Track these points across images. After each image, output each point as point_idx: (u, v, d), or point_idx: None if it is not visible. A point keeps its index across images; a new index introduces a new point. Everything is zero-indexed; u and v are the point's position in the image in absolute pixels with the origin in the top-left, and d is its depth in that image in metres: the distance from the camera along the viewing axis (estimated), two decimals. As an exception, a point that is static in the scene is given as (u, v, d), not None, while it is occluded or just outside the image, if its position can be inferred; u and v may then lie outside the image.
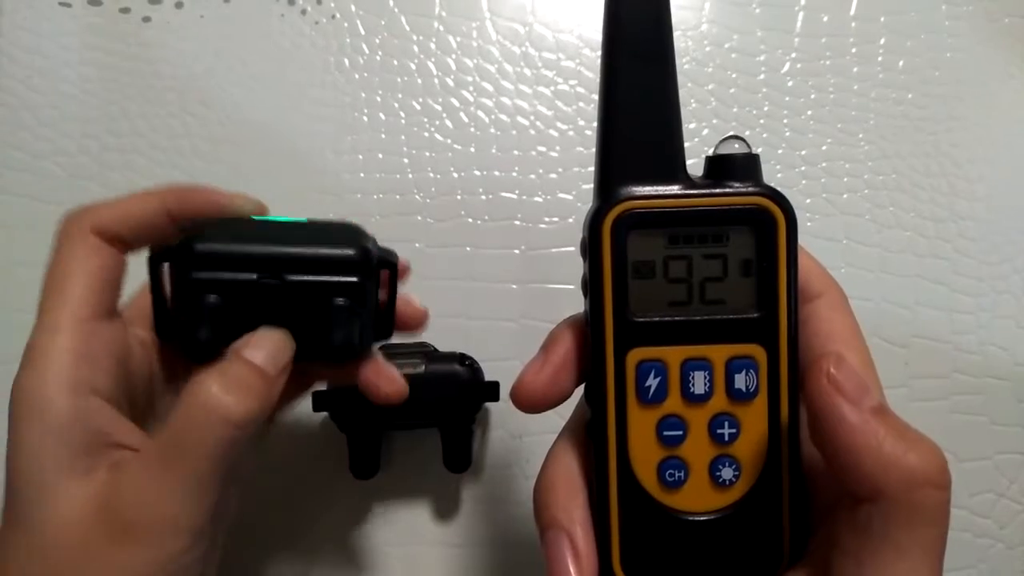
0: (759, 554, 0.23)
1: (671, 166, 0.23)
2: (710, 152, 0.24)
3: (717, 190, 0.23)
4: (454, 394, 0.34)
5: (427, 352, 0.35)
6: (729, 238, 0.23)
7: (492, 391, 0.35)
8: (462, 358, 0.34)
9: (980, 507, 0.38)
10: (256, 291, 0.24)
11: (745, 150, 0.23)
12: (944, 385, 0.39)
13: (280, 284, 0.24)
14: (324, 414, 0.37)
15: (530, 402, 0.24)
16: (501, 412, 0.38)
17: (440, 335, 0.37)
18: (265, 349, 0.24)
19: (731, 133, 0.24)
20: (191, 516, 0.23)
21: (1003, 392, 0.39)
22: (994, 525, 0.38)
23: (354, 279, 0.25)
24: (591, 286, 0.23)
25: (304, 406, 0.33)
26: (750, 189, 0.23)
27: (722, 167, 0.23)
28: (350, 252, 0.25)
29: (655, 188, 0.23)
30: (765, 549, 0.23)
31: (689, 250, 0.23)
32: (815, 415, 0.21)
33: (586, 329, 0.23)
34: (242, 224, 0.26)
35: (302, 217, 0.26)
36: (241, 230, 0.25)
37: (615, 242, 0.22)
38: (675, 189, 0.23)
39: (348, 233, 0.25)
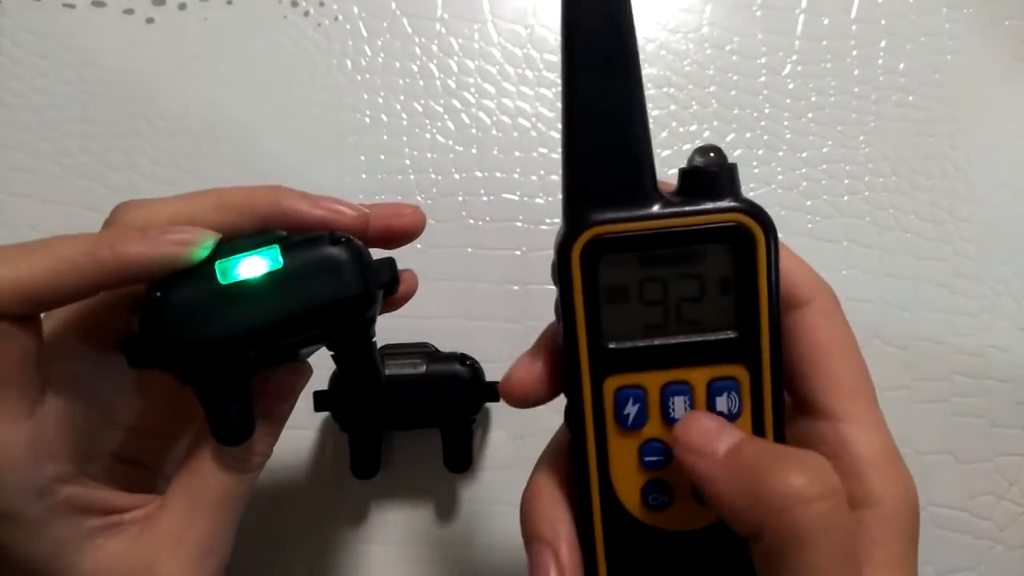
0: (748, 564, 0.23)
1: (640, 185, 0.22)
2: (684, 165, 0.23)
3: (689, 208, 0.22)
4: (455, 394, 0.34)
5: (428, 352, 0.35)
6: (705, 257, 0.22)
7: (493, 391, 0.35)
8: (463, 358, 0.35)
9: (980, 509, 0.38)
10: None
11: (720, 161, 0.22)
12: (944, 387, 0.39)
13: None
14: (325, 414, 0.37)
15: (518, 396, 0.24)
16: (502, 412, 0.38)
17: (441, 335, 0.37)
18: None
19: (704, 143, 0.23)
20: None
21: (1003, 394, 0.39)
22: (994, 527, 0.38)
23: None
24: (563, 314, 0.22)
25: (305, 406, 0.33)
26: (725, 205, 0.21)
27: (696, 181, 0.22)
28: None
29: (625, 211, 0.22)
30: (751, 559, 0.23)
31: (664, 272, 0.22)
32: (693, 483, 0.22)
33: (562, 355, 0.23)
34: (211, 293, 0.23)
35: (272, 246, 0.23)
36: (215, 306, 0.22)
37: (585, 269, 0.22)
38: (645, 211, 0.22)
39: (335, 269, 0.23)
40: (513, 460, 0.38)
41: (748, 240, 0.22)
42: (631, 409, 0.22)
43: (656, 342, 0.22)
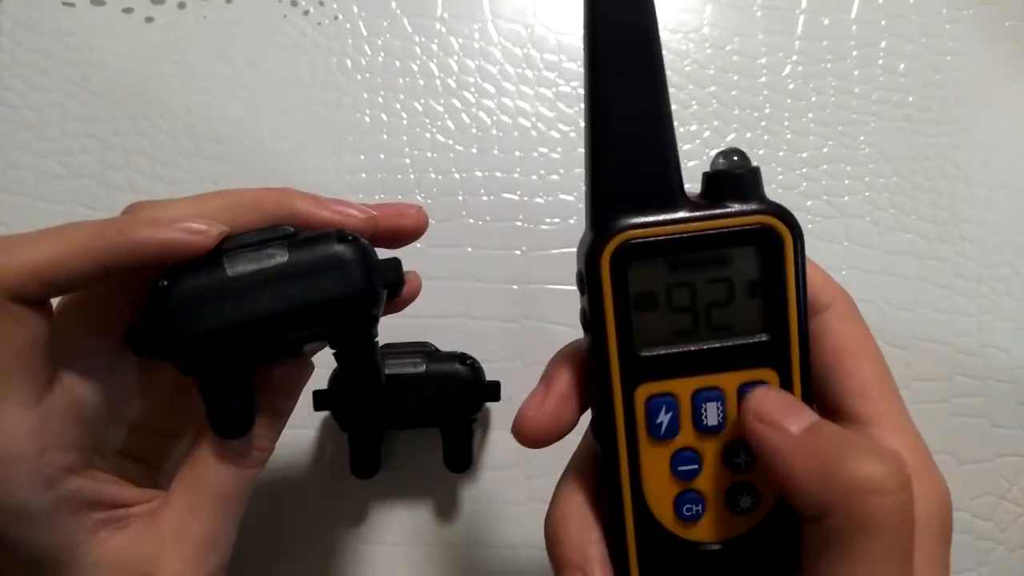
0: (783, 570, 0.22)
1: (667, 189, 0.22)
2: (708, 168, 0.22)
3: (718, 211, 0.21)
4: (455, 394, 0.34)
5: (428, 352, 0.35)
6: (733, 261, 0.22)
7: (493, 391, 0.35)
8: (463, 358, 0.34)
9: (980, 510, 0.38)
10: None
11: (744, 164, 0.22)
12: (945, 387, 0.39)
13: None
14: (325, 413, 0.37)
15: (534, 436, 0.23)
16: (502, 412, 0.38)
17: (441, 335, 0.37)
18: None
19: (728, 146, 0.22)
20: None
21: (1004, 394, 0.39)
22: (995, 528, 0.38)
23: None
24: (593, 322, 0.22)
25: (304, 406, 0.33)
26: (753, 208, 0.21)
27: (721, 184, 0.22)
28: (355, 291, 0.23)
29: (653, 216, 0.21)
30: (787, 566, 0.22)
31: (692, 276, 0.22)
32: (755, 453, 0.21)
33: (590, 365, 0.22)
34: (220, 287, 0.23)
35: (280, 241, 0.23)
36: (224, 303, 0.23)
37: (615, 276, 0.21)
38: (673, 215, 0.21)
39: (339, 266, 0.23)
40: (513, 460, 0.38)
41: (776, 242, 0.21)
42: (663, 418, 0.22)
43: (687, 348, 0.22)
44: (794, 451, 0.20)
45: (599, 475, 0.23)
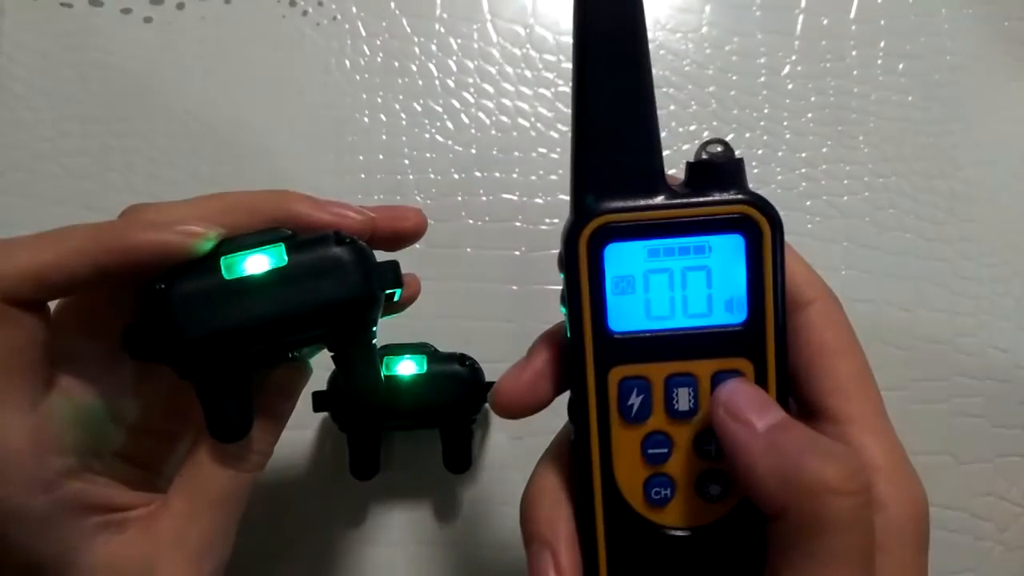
0: (749, 563, 0.23)
1: (649, 176, 0.22)
2: (691, 158, 0.23)
3: (697, 199, 0.22)
4: (455, 395, 0.34)
5: (428, 352, 0.35)
6: (712, 249, 0.22)
7: (493, 392, 0.35)
8: (463, 359, 0.34)
9: (980, 510, 0.38)
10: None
11: (727, 154, 0.22)
12: (944, 387, 0.39)
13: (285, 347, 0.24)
14: (324, 414, 0.37)
15: (507, 406, 0.24)
16: (501, 413, 0.38)
17: (441, 336, 0.37)
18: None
19: (711, 136, 0.23)
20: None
21: (1003, 394, 0.39)
22: (994, 528, 0.38)
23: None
24: (569, 303, 0.22)
25: (304, 407, 0.33)
26: (733, 197, 0.22)
27: (704, 173, 0.22)
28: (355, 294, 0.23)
29: (633, 200, 0.22)
30: (755, 558, 0.22)
31: (670, 263, 0.22)
32: (721, 446, 0.21)
33: (566, 346, 0.23)
34: (217, 289, 0.23)
35: (277, 244, 0.23)
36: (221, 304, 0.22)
37: (592, 258, 0.22)
38: (653, 200, 0.22)
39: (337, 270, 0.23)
40: (513, 461, 0.38)
41: (754, 232, 0.22)
42: (635, 400, 0.22)
43: (662, 333, 0.22)
44: (757, 448, 0.20)
45: (572, 455, 0.24)
